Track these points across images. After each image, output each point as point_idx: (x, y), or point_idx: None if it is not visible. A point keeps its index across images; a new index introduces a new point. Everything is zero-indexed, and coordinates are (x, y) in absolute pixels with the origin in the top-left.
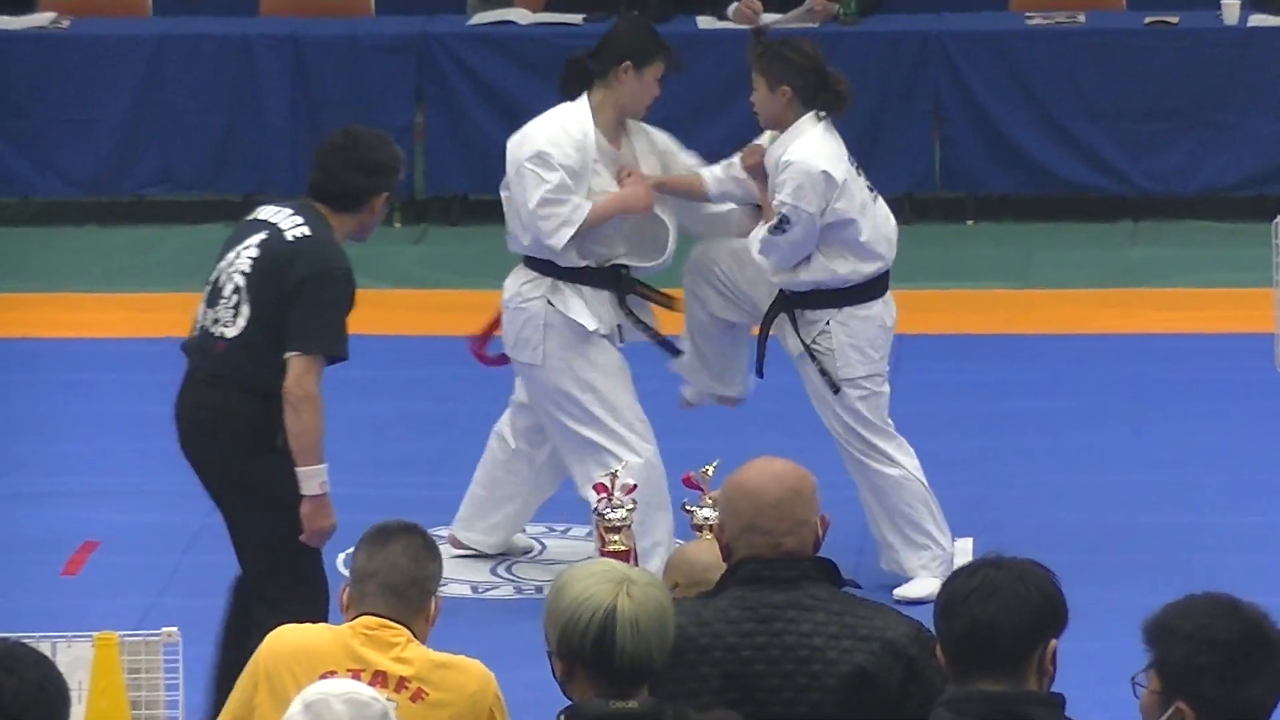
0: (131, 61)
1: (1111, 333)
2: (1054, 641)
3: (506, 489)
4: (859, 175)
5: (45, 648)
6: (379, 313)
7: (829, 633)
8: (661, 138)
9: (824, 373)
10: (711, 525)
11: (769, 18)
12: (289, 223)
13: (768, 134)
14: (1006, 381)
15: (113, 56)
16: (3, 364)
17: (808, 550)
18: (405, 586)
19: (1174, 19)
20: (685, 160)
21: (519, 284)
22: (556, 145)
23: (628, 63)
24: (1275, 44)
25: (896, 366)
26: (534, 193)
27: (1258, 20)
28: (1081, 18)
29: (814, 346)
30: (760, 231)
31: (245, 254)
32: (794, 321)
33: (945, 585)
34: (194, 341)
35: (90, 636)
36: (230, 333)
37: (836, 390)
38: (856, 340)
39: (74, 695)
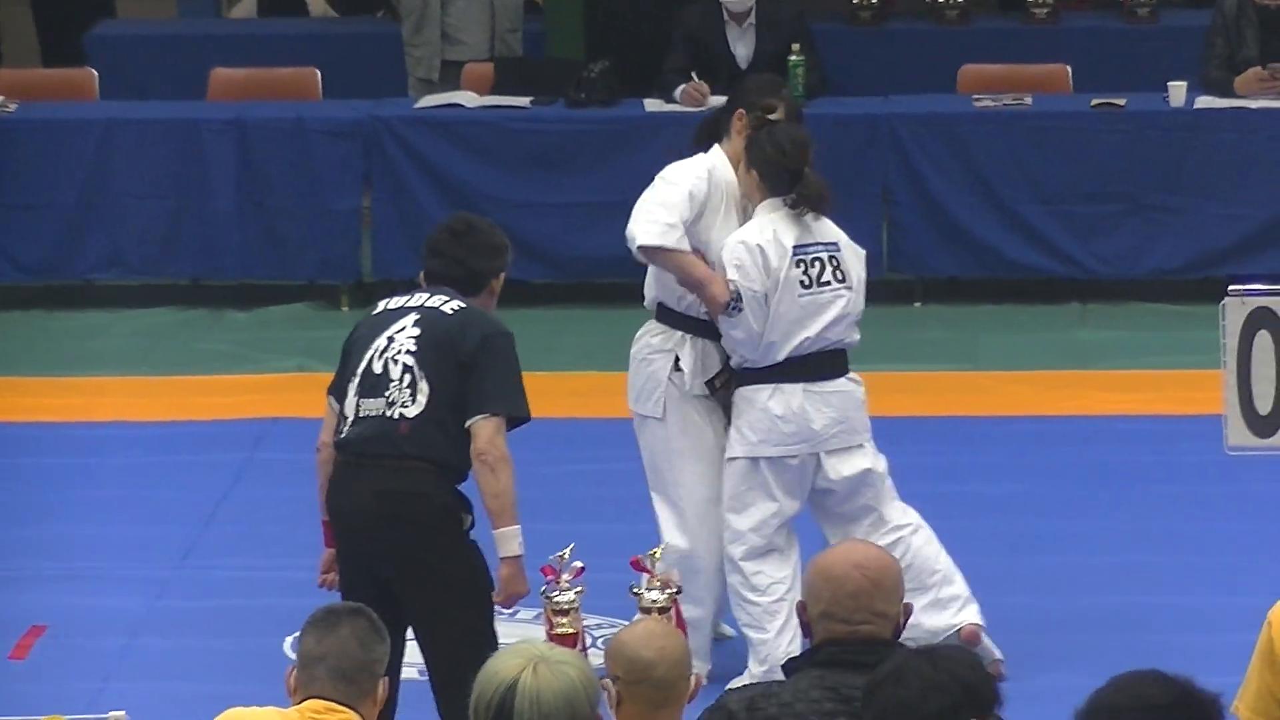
0: (79, 145)
1: (1060, 415)
2: None
3: None
4: (809, 268)
5: None
6: None
7: None
8: None
9: None
10: (660, 608)
11: (716, 100)
12: (436, 300)
13: None
14: (954, 464)
15: (60, 140)
16: None
17: (886, 636)
18: (354, 671)
19: (1121, 101)
20: None
21: (649, 337)
22: (684, 174)
23: (739, 109)
24: (1222, 126)
25: None
26: (652, 194)
27: (1204, 103)
28: (1029, 100)
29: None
30: (723, 326)
31: (404, 335)
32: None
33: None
34: (362, 431)
35: None
36: (412, 411)
37: None
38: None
39: None
